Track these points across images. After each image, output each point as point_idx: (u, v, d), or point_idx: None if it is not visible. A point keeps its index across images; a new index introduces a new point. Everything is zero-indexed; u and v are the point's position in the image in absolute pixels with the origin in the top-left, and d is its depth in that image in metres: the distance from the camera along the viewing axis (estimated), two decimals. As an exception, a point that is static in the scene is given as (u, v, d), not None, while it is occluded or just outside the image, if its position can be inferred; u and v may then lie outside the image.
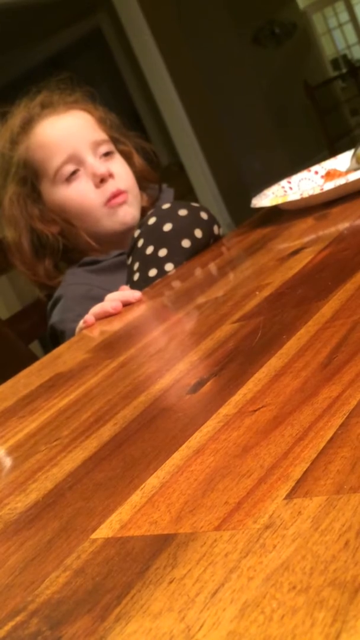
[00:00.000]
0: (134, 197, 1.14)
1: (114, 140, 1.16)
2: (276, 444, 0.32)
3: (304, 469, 0.28)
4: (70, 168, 1.09)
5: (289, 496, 0.27)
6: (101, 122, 1.16)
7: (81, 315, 0.94)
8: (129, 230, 1.10)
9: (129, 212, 1.11)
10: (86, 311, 0.94)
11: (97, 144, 1.11)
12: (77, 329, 0.94)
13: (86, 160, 1.10)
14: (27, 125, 1.12)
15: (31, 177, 1.11)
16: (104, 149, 1.12)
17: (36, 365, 0.81)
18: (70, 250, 1.15)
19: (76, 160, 1.09)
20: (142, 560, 0.28)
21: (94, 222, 1.11)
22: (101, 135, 1.13)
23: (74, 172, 1.09)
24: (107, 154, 1.13)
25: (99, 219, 1.10)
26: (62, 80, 1.17)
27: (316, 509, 0.25)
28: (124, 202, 1.11)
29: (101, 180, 1.09)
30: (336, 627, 0.19)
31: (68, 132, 1.11)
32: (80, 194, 1.10)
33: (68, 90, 1.16)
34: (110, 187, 1.10)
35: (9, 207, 1.12)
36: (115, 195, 1.10)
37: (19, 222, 1.12)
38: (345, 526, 0.24)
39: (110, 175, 1.10)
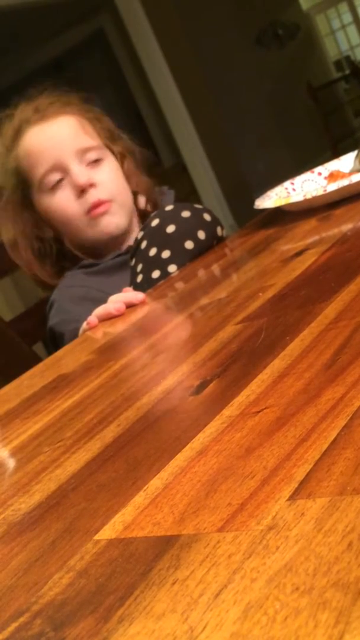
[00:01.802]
0: (120, 206, 1.12)
1: (108, 145, 1.16)
2: (279, 445, 0.32)
3: (307, 471, 0.28)
4: (55, 177, 1.09)
5: (292, 497, 0.27)
6: (93, 126, 1.15)
7: (79, 317, 0.95)
8: (114, 239, 1.11)
9: (112, 222, 1.11)
10: (84, 312, 0.94)
11: (83, 152, 1.11)
12: (81, 331, 0.94)
13: (70, 169, 1.09)
14: (18, 133, 1.12)
15: (22, 185, 1.12)
16: (92, 155, 1.11)
17: (39, 366, 0.81)
18: (68, 253, 1.16)
19: (61, 169, 1.09)
20: (145, 562, 0.28)
21: (76, 231, 1.11)
22: (89, 142, 1.12)
23: (60, 181, 1.10)
24: (96, 161, 1.12)
25: (80, 228, 1.11)
26: (58, 83, 1.17)
27: (319, 510, 0.25)
28: (105, 212, 1.10)
29: (82, 191, 1.09)
30: (339, 628, 0.19)
31: (53, 141, 1.10)
32: (62, 203, 1.10)
33: (62, 94, 1.16)
34: (91, 197, 1.09)
35: (5, 211, 1.13)
36: (96, 205, 1.09)
37: (15, 226, 1.13)
38: (348, 527, 0.24)
39: (92, 185, 1.09)
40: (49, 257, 1.15)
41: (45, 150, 1.10)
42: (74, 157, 1.10)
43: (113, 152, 1.16)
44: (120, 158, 1.17)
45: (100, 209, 1.10)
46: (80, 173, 1.09)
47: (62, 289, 1.11)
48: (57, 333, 1.06)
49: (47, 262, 1.15)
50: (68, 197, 1.10)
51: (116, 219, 1.12)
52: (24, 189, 1.12)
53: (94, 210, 1.09)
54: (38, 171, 1.10)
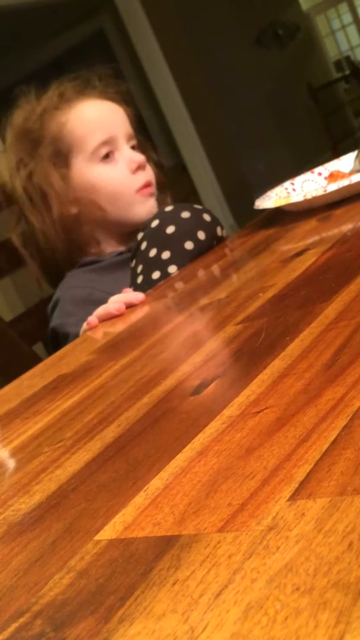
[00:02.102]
0: (156, 194, 1.16)
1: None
2: (279, 445, 0.32)
3: (308, 471, 0.28)
4: (106, 149, 1.12)
5: (293, 498, 0.27)
6: (131, 120, 1.18)
7: (83, 320, 0.94)
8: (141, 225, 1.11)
9: (154, 205, 1.14)
10: (87, 315, 0.94)
11: (129, 137, 1.15)
12: (81, 331, 0.94)
13: (122, 147, 1.12)
14: (69, 101, 1.13)
15: (65, 151, 1.12)
16: (132, 143, 1.16)
17: (40, 366, 0.81)
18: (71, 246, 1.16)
19: (113, 144, 1.12)
20: (145, 562, 0.28)
21: (125, 206, 1.12)
22: (132, 130, 1.16)
23: (108, 155, 1.12)
24: (133, 148, 1.16)
25: (129, 204, 1.12)
26: (105, 73, 1.19)
27: (320, 510, 0.25)
28: (152, 194, 1.14)
29: (137, 168, 1.12)
30: (340, 628, 0.19)
31: (112, 117, 1.14)
32: (116, 175, 1.12)
33: (110, 82, 1.19)
34: (144, 176, 1.13)
35: (47, 172, 1.11)
36: (147, 185, 1.13)
37: (56, 182, 1.12)
38: (348, 527, 0.24)
39: (144, 166, 1.14)
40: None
41: (104, 121, 1.13)
42: (123, 138, 1.13)
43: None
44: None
45: (150, 189, 1.13)
46: (133, 152, 1.13)
47: (65, 290, 1.11)
48: (59, 334, 1.05)
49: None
50: (122, 171, 1.12)
51: (156, 203, 1.15)
52: (66, 155, 1.12)
53: (144, 189, 1.12)
54: (94, 140, 1.11)
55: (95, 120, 1.12)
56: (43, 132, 1.12)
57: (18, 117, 1.14)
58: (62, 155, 1.11)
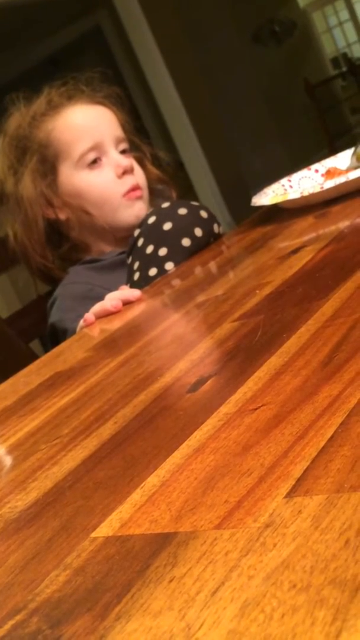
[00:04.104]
0: (147, 196, 1.16)
1: (130, 144, 1.19)
2: (276, 442, 0.32)
3: (304, 468, 0.28)
4: (93, 155, 1.12)
5: (289, 495, 0.27)
6: (122, 123, 1.18)
7: (81, 316, 0.94)
8: (134, 227, 1.11)
9: (143, 208, 1.14)
10: (86, 311, 0.94)
11: (118, 140, 1.15)
12: (78, 328, 0.94)
13: (109, 152, 1.12)
14: (56, 108, 1.14)
15: (52, 158, 1.12)
16: (122, 146, 1.15)
17: (36, 363, 0.81)
18: (69, 248, 1.16)
19: (100, 149, 1.12)
20: (142, 559, 0.28)
21: (111, 211, 1.12)
22: (122, 133, 1.16)
23: (95, 160, 1.12)
24: (124, 152, 1.15)
25: (116, 209, 1.12)
26: (93, 77, 1.19)
27: (316, 507, 0.25)
28: (140, 197, 1.13)
29: (123, 172, 1.12)
30: (336, 625, 0.19)
31: (98, 121, 1.14)
32: (102, 181, 1.12)
33: (97, 87, 1.18)
34: (131, 180, 1.13)
35: (28, 184, 1.12)
36: (134, 189, 1.13)
37: (38, 198, 1.12)
38: (345, 525, 0.24)
39: (131, 170, 1.13)
40: (57, 241, 1.15)
41: (91, 128, 1.13)
42: (112, 142, 1.13)
43: (133, 155, 1.19)
44: (140, 160, 1.21)
45: (137, 193, 1.13)
46: (120, 156, 1.13)
47: (65, 286, 1.11)
48: (59, 330, 1.06)
49: (51, 249, 1.15)
50: (108, 177, 1.12)
51: (146, 206, 1.15)
52: (53, 162, 1.12)
53: (131, 193, 1.12)
54: (80, 146, 1.11)
55: (81, 127, 1.12)
56: (31, 139, 1.12)
57: (12, 123, 1.15)
58: (48, 162, 1.12)
